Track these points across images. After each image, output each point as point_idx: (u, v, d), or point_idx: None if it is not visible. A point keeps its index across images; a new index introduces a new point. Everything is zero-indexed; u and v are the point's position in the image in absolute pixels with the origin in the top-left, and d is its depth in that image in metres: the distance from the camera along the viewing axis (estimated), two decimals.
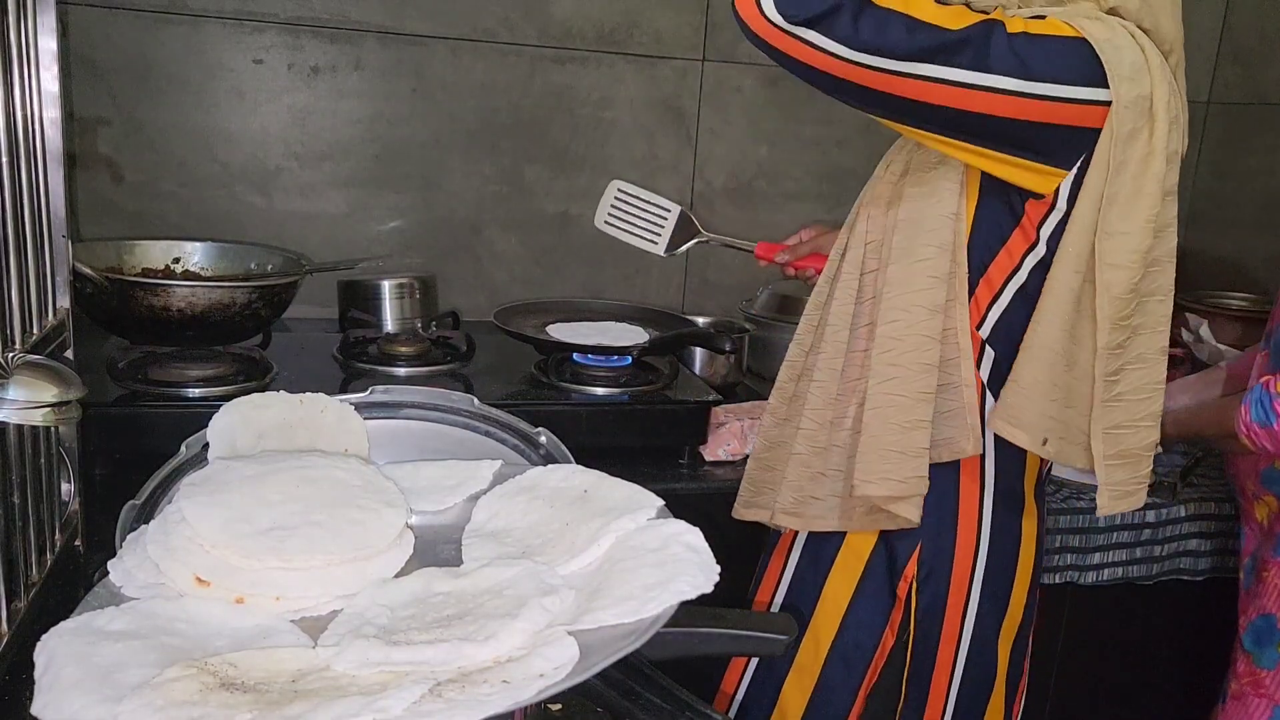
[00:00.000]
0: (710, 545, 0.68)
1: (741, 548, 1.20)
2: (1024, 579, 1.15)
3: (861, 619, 1.14)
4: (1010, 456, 1.11)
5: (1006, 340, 1.06)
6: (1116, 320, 1.01)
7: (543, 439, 0.92)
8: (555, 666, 0.57)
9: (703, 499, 1.46)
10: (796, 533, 1.19)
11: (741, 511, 1.21)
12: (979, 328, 1.07)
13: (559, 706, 0.80)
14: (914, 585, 1.11)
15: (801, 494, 1.14)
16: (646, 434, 1.49)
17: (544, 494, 0.79)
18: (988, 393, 1.08)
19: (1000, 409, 1.04)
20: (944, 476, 1.08)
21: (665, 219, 1.43)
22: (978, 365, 1.08)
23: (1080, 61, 0.95)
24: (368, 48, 1.86)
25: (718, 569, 0.66)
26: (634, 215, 1.42)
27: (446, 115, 1.93)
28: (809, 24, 0.98)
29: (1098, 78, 0.95)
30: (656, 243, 1.43)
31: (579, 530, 0.72)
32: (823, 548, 1.16)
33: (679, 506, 0.75)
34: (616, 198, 1.42)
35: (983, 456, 1.10)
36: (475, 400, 0.94)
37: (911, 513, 1.05)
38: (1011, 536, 1.13)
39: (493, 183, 1.99)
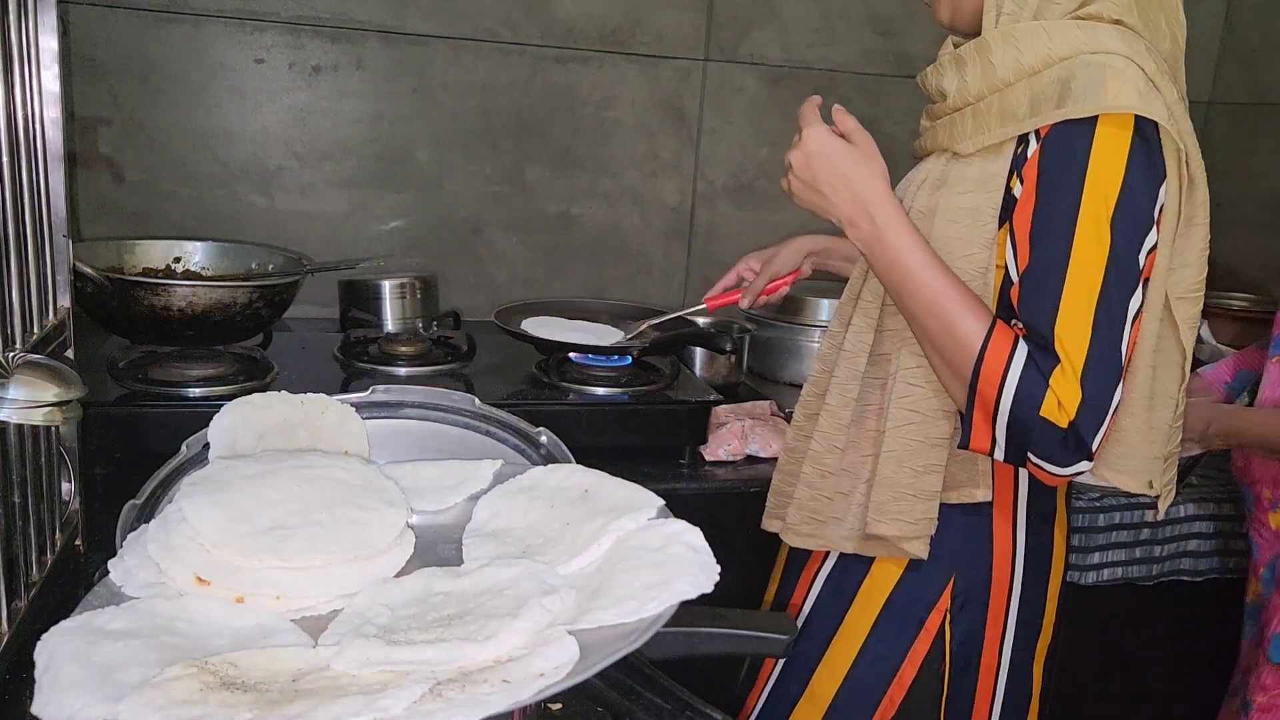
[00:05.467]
0: (711, 545, 0.68)
1: (742, 548, 1.20)
2: (1055, 589, 1.13)
3: (881, 651, 1.10)
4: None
5: None
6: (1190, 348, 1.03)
7: (543, 439, 0.92)
8: (555, 666, 0.57)
9: (703, 499, 1.46)
10: (825, 556, 1.15)
11: (767, 523, 1.18)
12: None
13: (559, 706, 0.80)
14: (948, 616, 1.08)
15: (808, 514, 1.12)
16: (647, 434, 1.49)
17: (545, 493, 0.79)
18: None
19: (1105, 460, 1.00)
20: (977, 506, 1.06)
21: None
22: None
23: (1147, 168, 0.91)
24: (369, 47, 1.86)
25: (718, 569, 0.66)
26: None
27: (448, 115, 1.93)
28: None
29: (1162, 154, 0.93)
30: None
31: (580, 530, 0.72)
32: (847, 576, 1.12)
33: (679, 506, 0.75)
34: None
35: (1015, 477, 1.07)
36: (476, 400, 0.94)
37: (920, 550, 1.04)
38: (1044, 550, 1.11)
39: (494, 182, 1.99)
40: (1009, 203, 0.97)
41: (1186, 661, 1.74)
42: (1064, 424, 0.89)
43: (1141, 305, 0.94)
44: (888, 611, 1.10)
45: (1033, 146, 0.95)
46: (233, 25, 1.78)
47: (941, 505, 1.04)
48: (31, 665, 0.58)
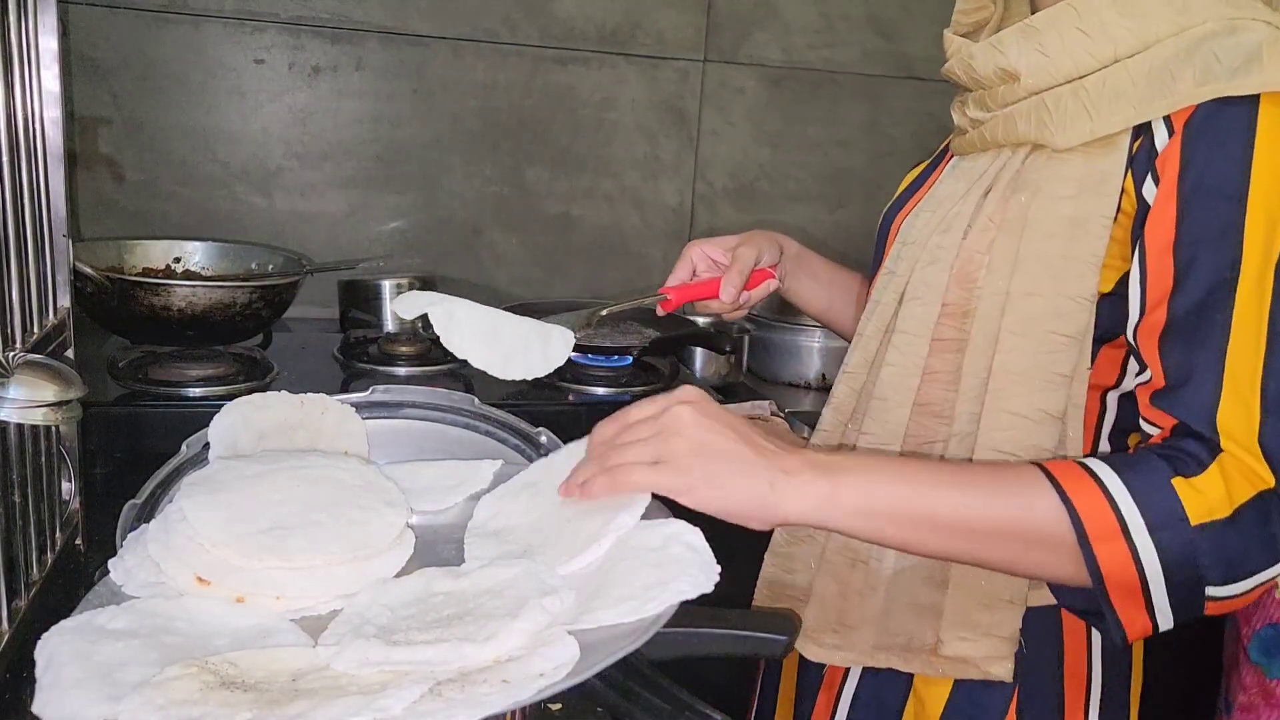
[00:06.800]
0: (710, 545, 0.68)
1: (742, 548, 1.19)
2: (1136, 694, 0.90)
3: None
4: None
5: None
6: None
7: (543, 439, 0.92)
8: (555, 666, 0.57)
9: None
10: (845, 672, 0.92)
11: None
12: (1101, 419, 0.83)
13: (559, 706, 0.80)
14: None
15: (835, 619, 0.87)
16: None
17: (546, 489, 0.79)
18: None
19: None
20: (1043, 609, 0.84)
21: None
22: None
23: None
24: (369, 48, 1.86)
25: (718, 569, 0.66)
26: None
27: (448, 115, 1.93)
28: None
29: None
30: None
31: (580, 527, 0.72)
32: (885, 693, 0.89)
33: (679, 506, 0.75)
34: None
35: None
36: (475, 400, 0.94)
37: (1006, 671, 0.81)
38: (1123, 649, 0.89)
39: (494, 183, 1.99)
40: (1133, 211, 0.75)
41: (1184, 664, 1.73)
42: (1235, 506, 0.66)
43: None
44: None
45: (1162, 136, 0.73)
46: (232, 25, 1.78)
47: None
48: (32, 664, 0.58)
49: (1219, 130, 0.70)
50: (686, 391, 0.74)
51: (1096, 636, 0.86)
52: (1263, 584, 0.67)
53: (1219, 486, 0.66)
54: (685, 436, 0.70)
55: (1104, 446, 0.83)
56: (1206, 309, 0.70)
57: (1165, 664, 0.96)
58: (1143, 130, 0.75)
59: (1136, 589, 0.68)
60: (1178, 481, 0.66)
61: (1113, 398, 0.83)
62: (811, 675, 0.97)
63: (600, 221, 2.07)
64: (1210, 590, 0.67)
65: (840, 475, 0.70)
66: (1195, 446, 0.68)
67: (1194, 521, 0.65)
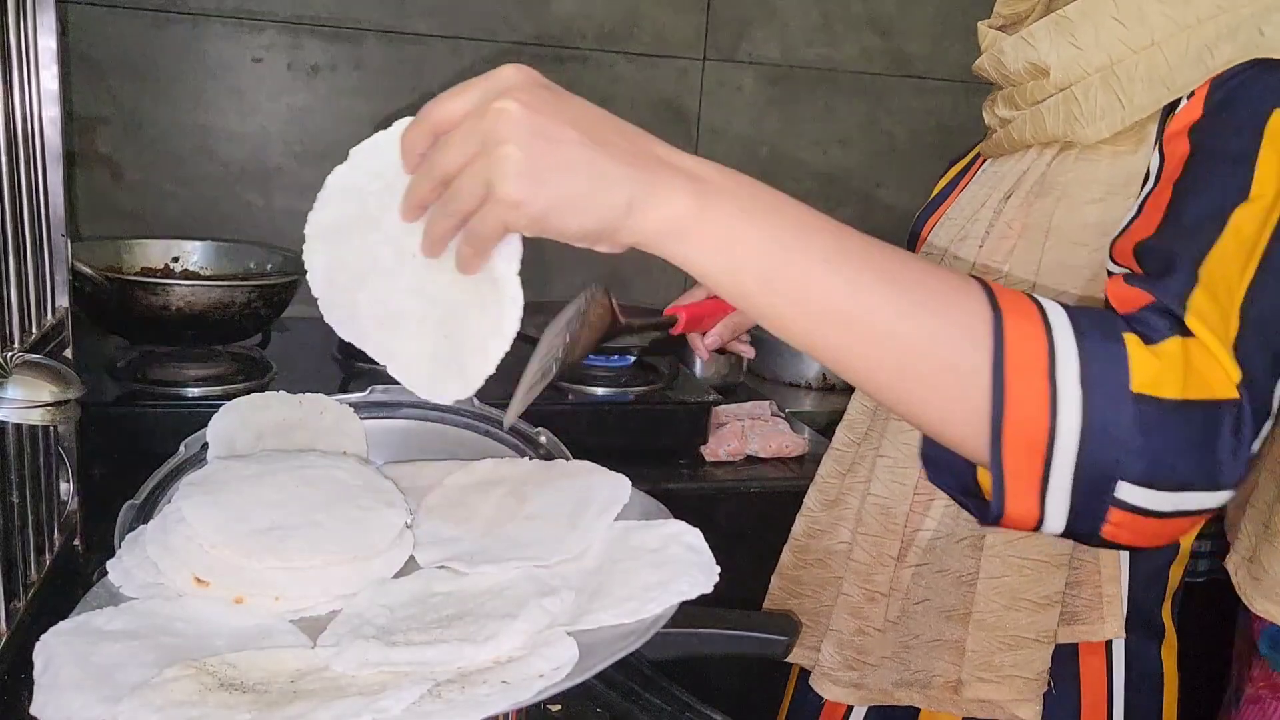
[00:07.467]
0: (710, 546, 0.68)
1: (742, 548, 1.19)
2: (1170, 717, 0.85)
3: None
4: (1145, 584, 0.81)
5: None
6: None
7: (543, 439, 0.92)
8: (555, 667, 0.57)
9: (703, 499, 1.46)
10: (849, 708, 0.88)
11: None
12: None
13: (559, 707, 0.80)
14: None
15: (853, 655, 0.83)
16: (647, 434, 1.48)
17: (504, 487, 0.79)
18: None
19: (1257, 583, 0.76)
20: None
21: None
22: None
23: None
24: (368, 47, 1.86)
25: (718, 569, 0.66)
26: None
27: None
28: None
29: None
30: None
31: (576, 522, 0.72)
32: None
33: (679, 506, 0.75)
34: None
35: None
36: (475, 400, 0.94)
37: (1033, 713, 0.76)
38: (1151, 684, 0.83)
39: None
40: None
41: (1187, 662, 1.73)
42: (1187, 395, 0.53)
43: None
44: None
45: (1184, 104, 0.68)
46: (231, 25, 1.78)
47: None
48: (30, 666, 0.58)
49: (1244, 89, 0.64)
50: (506, 75, 0.55)
51: (1119, 678, 0.80)
52: (1189, 515, 0.54)
53: (1176, 363, 0.53)
54: (519, 145, 0.52)
55: None
56: (1202, 225, 0.60)
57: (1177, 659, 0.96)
58: (1170, 110, 0.69)
59: (1039, 447, 0.53)
60: (1131, 339, 0.54)
61: None
62: (804, 711, 0.92)
63: None
64: (1122, 489, 0.53)
65: (713, 198, 0.55)
66: (1162, 321, 0.56)
67: (1134, 387, 0.52)
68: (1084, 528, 0.55)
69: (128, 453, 1.22)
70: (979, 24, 0.87)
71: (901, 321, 0.53)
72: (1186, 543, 0.81)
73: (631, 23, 1.99)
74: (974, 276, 0.57)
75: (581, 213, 0.53)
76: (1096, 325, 0.54)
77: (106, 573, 0.68)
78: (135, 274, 1.47)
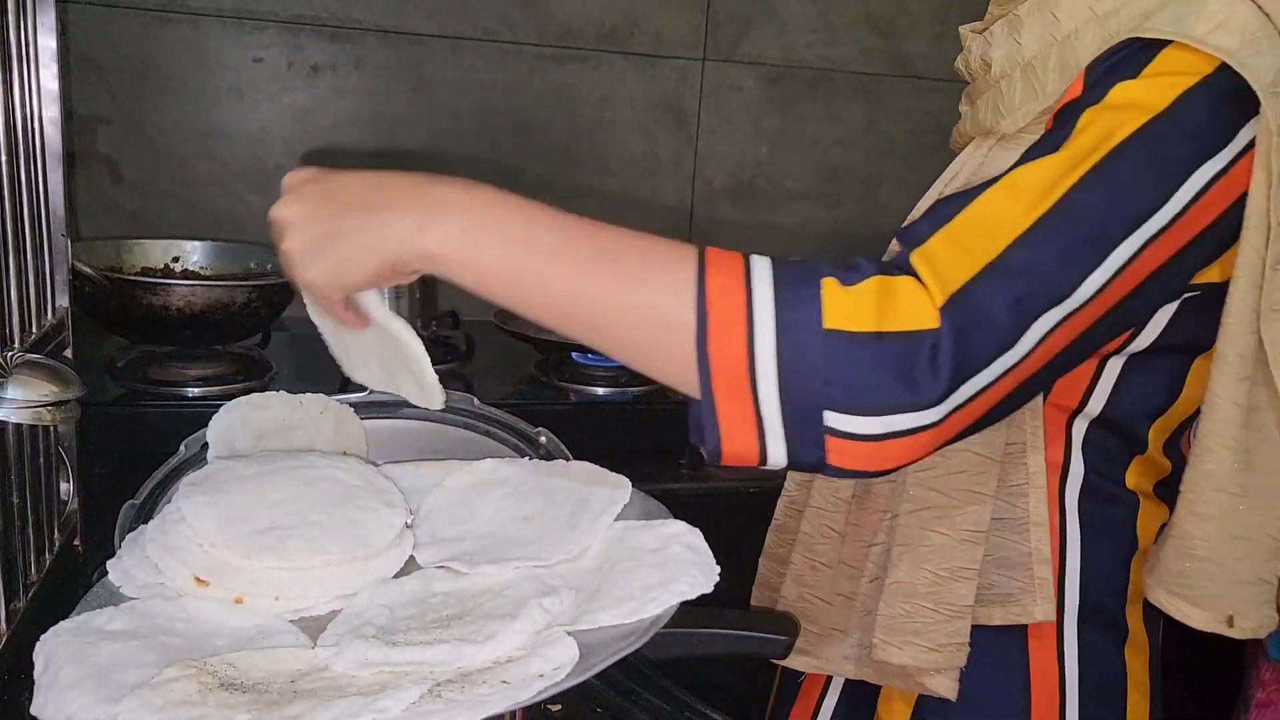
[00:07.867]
0: (710, 546, 0.68)
1: (742, 548, 1.19)
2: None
3: None
4: (1103, 579, 0.80)
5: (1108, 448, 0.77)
6: None
7: (543, 439, 0.92)
8: (555, 667, 0.57)
9: (703, 499, 1.46)
10: (827, 682, 0.89)
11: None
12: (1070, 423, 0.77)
13: (559, 707, 0.80)
14: None
15: (810, 625, 0.85)
16: (647, 434, 1.49)
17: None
18: (1070, 532, 0.78)
19: (1162, 578, 0.75)
20: (1003, 632, 0.78)
21: None
22: (1061, 492, 0.78)
23: (1213, 115, 0.63)
24: (368, 46, 1.86)
25: (718, 570, 0.66)
26: None
27: (447, 114, 1.93)
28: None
29: (1242, 113, 0.63)
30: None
31: (574, 519, 0.73)
32: (857, 713, 0.86)
33: (679, 506, 0.75)
34: None
35: (1061, 579, 0.79)
36: (475, 400, 0.94)
37: (947, 688, 0.76)
38: (1110, 683, 0.81)
39: (492, 181, 1.98)
40: None
41: (1192, 663, 1.73)
42: (882, 328, 0.57)
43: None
44: None
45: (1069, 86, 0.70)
46: (231, 24, 1.78)
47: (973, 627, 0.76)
48: (30, 666, 0.58)
49: (1115, 64, 0.65)
50: (283, 185, 0.68)
51: (1071, 674, 0.79)
52: (904, 435, 0.58)
53: (868, 299, 0.57)
54: (292, 238, 0.65)
55: (1075, 474, 0.78)
56: (989, 180, 0.63)
57: (1185, 663, 0.95)
58: None
59: (745, 388, 0.58)
60: (829, 282, 0.58)
61: (1081, 424, 0.77)
62: (787, 690, 0.94)
63: (599, 220, 2.07)
64: (831, 418, 0.57)
65: (452, 220, 0.63)
66: (872, 266, 0.60)
67: (825, 325, 0.57)
68: (808, 458, 0.60)
69: (128, 453, 1.23)
70: (960, 28, 0.88)
71: (621, 296, 0.61)
72: (1145, 539, 0.80)
73: (631, 23, 1.99)
74: (697, 244, 0.61)
75: (360, 266, 0.63)
76: (794, 274, 0.59)
77: (106, 573, 0.68)
78: (135, 274, 1.47)
